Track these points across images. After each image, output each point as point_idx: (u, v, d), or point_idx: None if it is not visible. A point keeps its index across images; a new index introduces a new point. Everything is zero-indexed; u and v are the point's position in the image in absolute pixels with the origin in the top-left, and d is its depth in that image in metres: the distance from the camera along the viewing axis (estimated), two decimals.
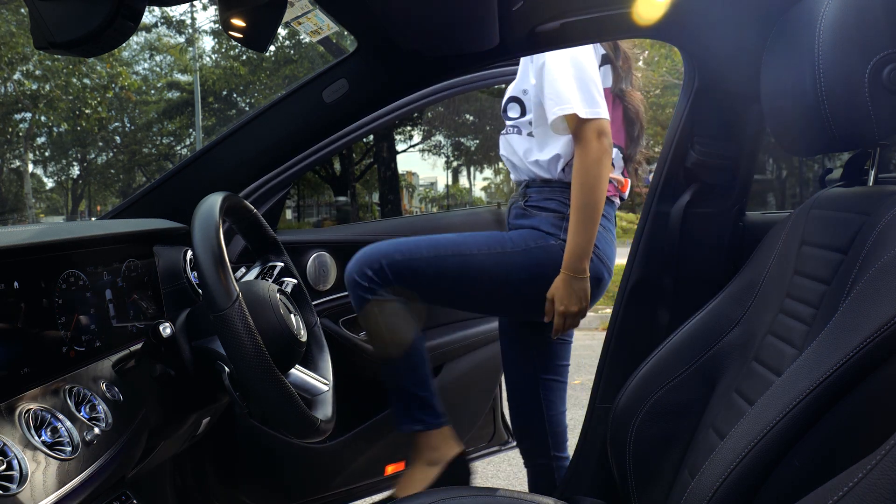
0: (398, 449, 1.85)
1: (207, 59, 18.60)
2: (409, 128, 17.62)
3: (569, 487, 1.59)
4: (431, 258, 1.53)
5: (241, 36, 0.97)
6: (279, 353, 0.94)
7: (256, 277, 1.17)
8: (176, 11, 18.05)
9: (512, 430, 1.81)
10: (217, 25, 16.25)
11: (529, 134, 1.59)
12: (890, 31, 0.84)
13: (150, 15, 16.54)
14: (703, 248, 1.49)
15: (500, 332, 1.76)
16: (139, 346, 1.06)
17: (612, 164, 1.54)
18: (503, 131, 1.68)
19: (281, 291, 1.03)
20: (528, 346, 1.69)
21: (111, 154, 21.22)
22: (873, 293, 0.73)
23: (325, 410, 1.02)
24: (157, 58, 20.67)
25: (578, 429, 1.60)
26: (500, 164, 16.19)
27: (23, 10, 12.61)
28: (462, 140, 18.47)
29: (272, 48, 14.63)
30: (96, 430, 0.85)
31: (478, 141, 17.91)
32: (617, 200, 1.65)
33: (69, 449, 0.80)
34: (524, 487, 1.79)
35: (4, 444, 0.72)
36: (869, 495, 0.49)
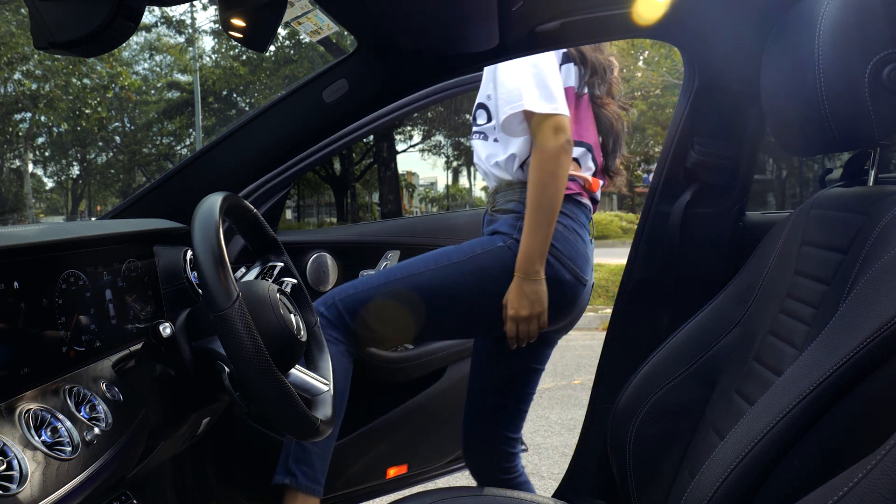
0: (400, 451, 1.84)
1: (207, 58, 18.62)
2: (409, 128, 17.63)
3: (569, 487, 1.59)
4: (381, 285, 1.47)
5: (240, 36, 0.97)
6: (279, 354, 0.94)
7: (256, 277, 1.17)
8: (176, 11, 18.05)
9: (462, 446, 1.71)
10: (217, 25, 16.26)
11: (495, 140, 1.55)
12: (890, 31, 0.84)
13: (150, 15, 16.54)
14: (703, 248, 1.49)
15: (472, 352, 1.68)
16: (139, 346, 1.06)
17: (578, 163, 1.51)
18: (471, 137, 1.65)
19: (281, 291, 1.03)
20: (495, 370, 1.62)
21: (111, 154, 21.23)
22: (873, 293, 0.73)
23: (325, 410, 1.02)
24: (157, 58, 20.70)
25: (578, 429, 1.60)
26: None
27: (23, 10, 12.61)
28: (462, 140, 18.48)
29: (272, 48, 14.63)
30: (96, 431, 0.85)
31: None
32: (586, 201, 1.55)
33: (69, 449, 0.80)
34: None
35: (4, 444, 0.72)
36: (869, 495, 0.49)
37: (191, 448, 1.34)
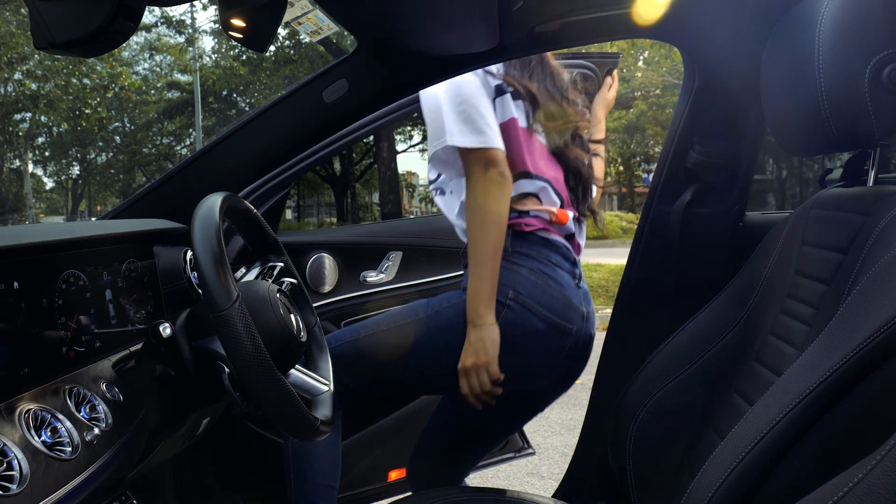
0: (401, 454, 1.84)
1: (207, 58, 18.63)
2: (409, 128, 17.63)
3: (569, 487, 1.59)
4: (348, 343, 1.37)
5: (240, 36, 0.97)
6: (279, 354, 0.94)
7: (256, 277, 1.17)
8: (176, 11, 18.06)
9: (412, 456, 1.61)
10: (217, 25, 16.26)
11: (451, 191, 1.45)
12: (890, 32, 0.84)
13: (150, 15, 16.55)
14: (703, 248, 1.49)
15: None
16: (139, 346, 1.06)
17: (538, 198, 1.37)
18: (434, 196, 1.53)
19: (281, 291, 1.03)
20: (457, 425, 1.51)
21: (111, 154, 21.24)
22: (873, 293, 0.73)
23: (324, 411, 1.02)
24: (157, 58, 20.70)
25: (578, 429, 1.60)
26: None
27: (23, 10, 12.61)
28: None
29: (272, 48, 14.63)
30: (96, 431, 0.85)
31: None
32: (557, 237, 1.38)
33: (69, 449, 0.80)
34: (525, 488, 1.79)
35: (4, 445, 0.72)
36: (869, 496, 0.49)
37: (191, 448, 1.34)
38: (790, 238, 1.07)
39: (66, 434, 0.81)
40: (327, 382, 1.09)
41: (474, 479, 1.76)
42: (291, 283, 1.19)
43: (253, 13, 0.93)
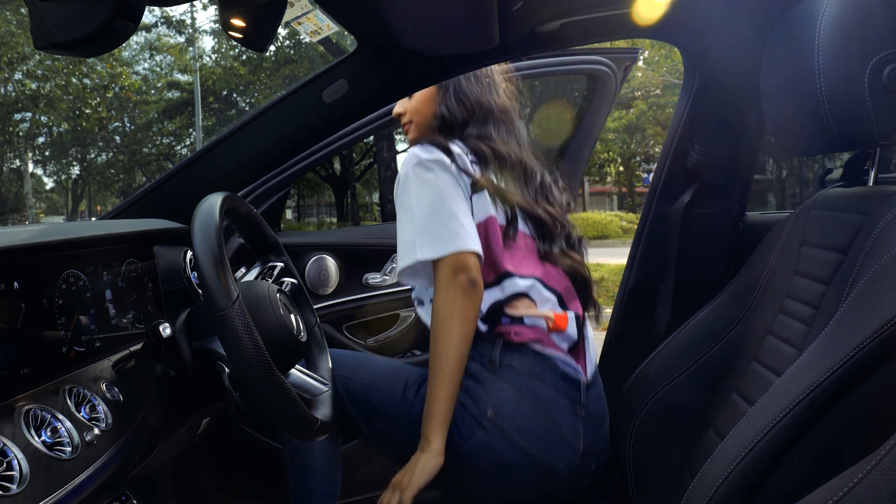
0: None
1: (207, 58, 18.62)
2: None
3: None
4: (343, 378, 1.28)
5: (240, 36, 0.97)
6: (279, 354, 0.94)
7: (256, 278, 1.17)
8: (176, 11, 18.06)
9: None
10: (217, 25, 16.26)
11: (430, 300, 1.24)
12: (890, 32, 0.84)
13: (150, 15, 16.55)
14: (703, 248, 1.49)
15: None
16: (139, 346, 1.06)
17: (531, 298, 1.19)
18: (416, 309, 1.36)
19: (281, 291, 1.03)
20: None
21: (111, 154, 21.22)
22: (873, 293, 0.73)
23: (324, 411, 1.02)
24: (157, 57, 20.68)
25: None
26: None
27: (23, 10, 12.61)
28: None
29: (272, 48, 14.63)
30: (96, 431, 0.85)
31: None
32: (554, 352, 1.16)
33: (69, 449, 0.80)
34: None
35: (4, 445, 0.72)
36: (869, 496, 0.49)
37: (191, 448, 1.33)
38: (790, 238, 1.07)
39: (66, 434, 0.81)
40: (327, 382, 1.09)
41: None
42: (291, 283, 1.19)
43: (253, 13, 0.93)
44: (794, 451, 0.71)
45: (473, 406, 1.14)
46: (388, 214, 13.20)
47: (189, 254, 1.26)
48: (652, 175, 1.66)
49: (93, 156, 21.94)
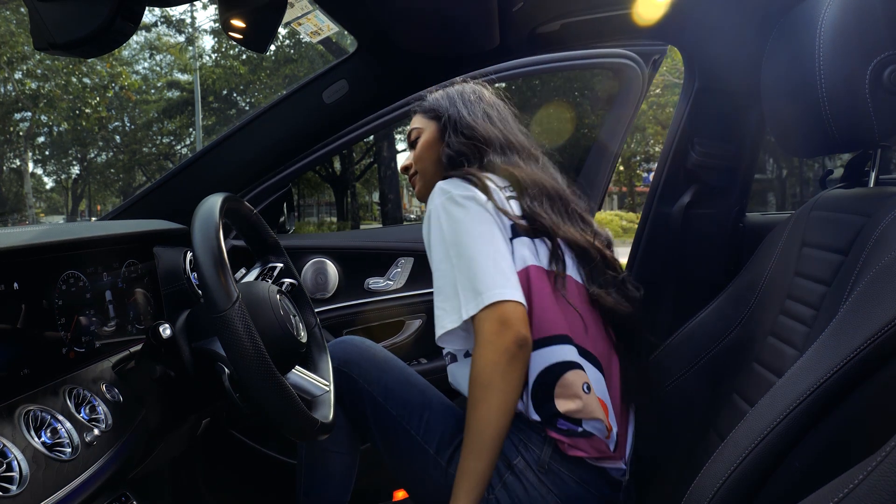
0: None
1: (207, 58, 18.60)
2: (409, 127, 17.60)
3: None
4: (376, 393, 1.18)
5: (240, 37, 0.97)
6: (279, 355, 0.94)
7: (256, 278, 1.17)
8: (176, 11, 18.06)
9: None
10: (217, 24, 16.25)
11: (465, 354, 1.12)
12: (890, 33, 0.84)
13: (150, 14, 16.55)
14: (704, 249, 1.49)
15: None
16: (139, 347, 1.06)
17: (582, 369, 1.01)
18: (447, 363, 1.21)
19: (281, 292, 1.03)
20: None
21: (111, 153, 21.22)
22: (874, 295, 0.73)
23: (324, 412, 1.02)
24: (157, 57, 20.67)
25: None
26: None
27: (23, 10, 12.61)
28: None
29: (272, 47, 14.62)
30: (96, 431, 0.85)
31: None
32: (605, 463, 1.02)
33: (69, 450, 0.80)
34: None
35: (4, 446, 0.72)
36: (869, 497, 0.49)
37: (190, 448, 1.33)
38: (790, 239, 1.06)
39: (65, 435, 0.81)
40: (327, 383, 1.09)
41: None
42: (291, 283, 1.19)
43: (253, 14, 0.93)
44: (795, 453, 0.71)
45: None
46: (389, 214, 13.20)
47: (189, 254, 1.26)
48: (652, 175, 1.66)
49: (93, 155, 21.93)
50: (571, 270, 1.10)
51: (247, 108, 18.27)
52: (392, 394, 1.18)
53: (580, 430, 0.99)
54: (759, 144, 1.45)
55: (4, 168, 19.62)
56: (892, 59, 0.84)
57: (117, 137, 20.51)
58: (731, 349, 1.12)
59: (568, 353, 1.01)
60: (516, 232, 1.07)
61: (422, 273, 1.79)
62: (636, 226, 1.62)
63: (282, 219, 1.65)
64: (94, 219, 3.20)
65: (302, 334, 1.02)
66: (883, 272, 0.74)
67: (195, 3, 1.00)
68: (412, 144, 1.32)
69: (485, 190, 1.07)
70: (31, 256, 0.88)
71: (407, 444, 1.14)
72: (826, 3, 0.91)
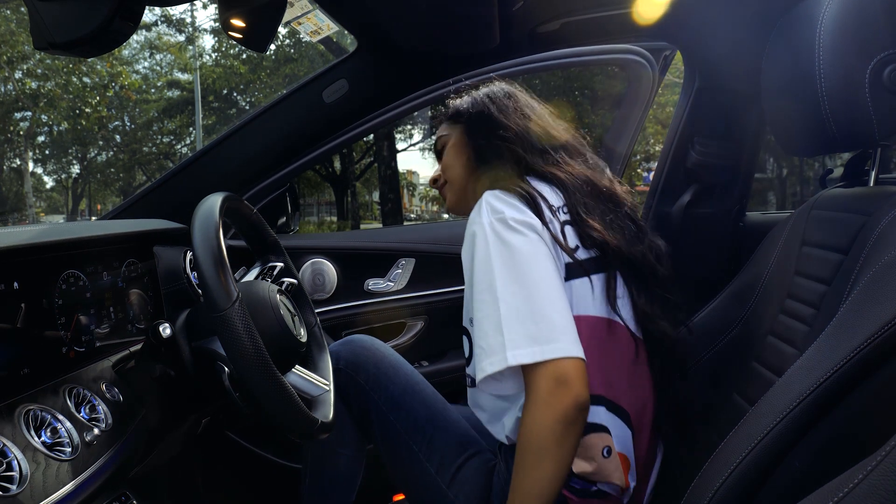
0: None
1: (207, 57, 18.59)
2: (409, 126, 17.62)
3: None
4: (384, 400, 1.16)
5: (240, 36, 0.97)
6: (279, 354, 0.94)
7: (256, 278, 1.17)
8: (176, 10, 18.06)
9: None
10: (217, 24, 16.24)
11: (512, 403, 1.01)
12: (890, 32, 0.84)
13: (150, 14, 16.54)
14: (704, 248, 1.49)
15: None
16: (139, 346, 1.06)
17: (608, 432, 0.94)
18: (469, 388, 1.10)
19: (281, 292, 1.03)
20: None
21: (111, 153, 21.21)
22: (874, 294, 0.73)
23: (324, 411, 1.02)
24: (158, 56, 20.66)
25: None
26: None
27: (23, 9, 12.61)
28: None
29: (272, 47, 14.62)
30: (96, 431, 0.85)
31: None
32: None
33: (69, 449, 0.80)
34: None
35: (4, 445, 0.72)
36: (869, 497, 0.49)
37: (190, 448, 1.33)
38: (790, 238, 1.06)
39: (65, 434, 0.81)
40: (327, 383, 1.09)
41: None
42: (291, 283, 1.19)
43: (253, 13, 0.93)
44: (795, 452, 0.71)
45: None
46: (389, 214, 13.20)
47: (189, 254, 1.26)
48: (652, 174, 1.66)
49: (93, 155, 21.93)
50: (623, 302, 0.99)
51: (247, 107, 18.26)
52: (398, 406, 1.15)
53: (594, 489, 0.94)
54: (759, 143, 1.45)
55: (4, 167, 19.62)
56: (892, 58, 0.84)
57: (117, 137, 20.50)
58: (731, 348, 1.12)
59: (596, 414, 0.94)
60: (571, 272, 0.95)
61: (423, 274, 1.76)
62: None
63: (282, 220, 1.64)
64: (94, 218, 3.19)
65: (302, 334, 1.02)
66: (883, 271, 0.74)
67: (195, 2, 1.00)
68: (439, 154, 1.20)
69: (539, 213, 0.95)
70: (32, 256, 0.88)
71: (409, 460, 1.12)
72: (826, 2, 0.91)
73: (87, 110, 14.69)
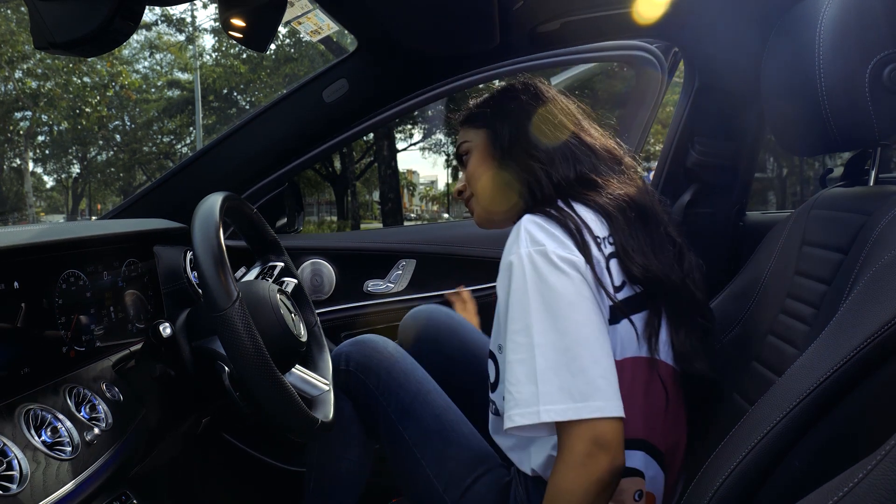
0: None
1: (208, 57, 18.61)
2: (409, 126, 17.62)
3: None
4: (396, 410, 1.12)
5: (240, 36, 0.97)
6: (279, 353, 0.94)
7: (256, 277, 1.17)
8: (176, 10, 18.06)
9: None
10: (217, 23, 16.24)
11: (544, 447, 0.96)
12: (890, 32, 0.84)
13: (150, 13, 16.55)
14: (704, 248, 1.48)
15: None
16: (139, 346, 1.06)
17: (642, 476, 0.90)
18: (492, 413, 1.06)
19: (281, 291, 1.03)
20: None
21: (111, 152, 21.23)
22: (874, 293, 0.73)
23: (324, 410, 1.02)
24: (158, 56, 20.67)
25: None
26: None
27: (23, 9, 12.61)
28: None
29: (272, 46, 14.62)
30: (96, 431, 0.85)
31: None
32: None
33: (69, 449, 0.80)
34: None
35: (4, 445, 0.72)
36: (869, 496, 0.49)
37: (190, 448, 1.34)
38: (790, 238, 1.06)
39: (66, 434, 0.81)
40: (327, 382, 1.09)
41: None
42: (292, 282, 1.19)
43: (253, 13, 0.93)
44: (795, 452, 0.71)
45: None
46: (389, 213, 13.19)
47: (189, 254, 1.26)
48: (652, 174, 1.66)
49: (93, 154, 21.94)
50: (663, 339, 0.92)
51: (247, 107, 18.27)
52: (408, 415, 1.11)
53: None
54: (759, 143, 1.45)
55: (5, 167, 19.63)
56: (891, 58, 0.84)
57: (117, 136, 20.51)
58: (731, 348, 1.12)
59: (633, 458, 0.89)
60: (615, 315, 0.88)
61: (424, 276, 1.74)
62: None
63: (282, 221, 1.63)
64: (94, 218, 3.19)
65: (302, 333, 1.02)
66: (883, 271, 0.74)
67: (195, 2, 1.00)
68: (462, 162, 1.11)
69: (583, 249, 0.86)
70: (32, 255, 0.88)
71: (416, 473, 1.08)
72: (826, 2, 0.91)
73: (88, 110, 14.70)
